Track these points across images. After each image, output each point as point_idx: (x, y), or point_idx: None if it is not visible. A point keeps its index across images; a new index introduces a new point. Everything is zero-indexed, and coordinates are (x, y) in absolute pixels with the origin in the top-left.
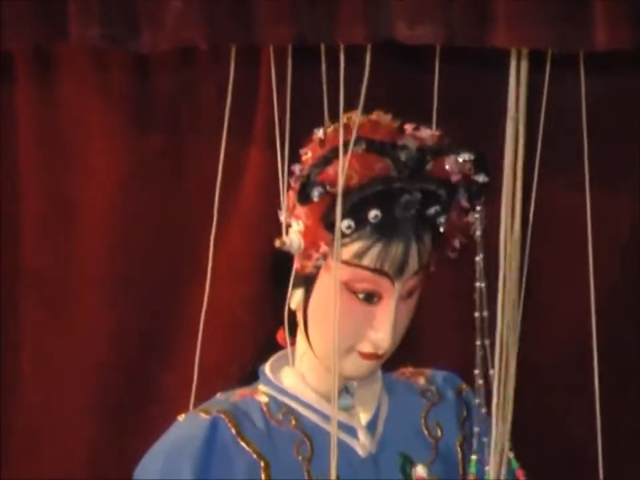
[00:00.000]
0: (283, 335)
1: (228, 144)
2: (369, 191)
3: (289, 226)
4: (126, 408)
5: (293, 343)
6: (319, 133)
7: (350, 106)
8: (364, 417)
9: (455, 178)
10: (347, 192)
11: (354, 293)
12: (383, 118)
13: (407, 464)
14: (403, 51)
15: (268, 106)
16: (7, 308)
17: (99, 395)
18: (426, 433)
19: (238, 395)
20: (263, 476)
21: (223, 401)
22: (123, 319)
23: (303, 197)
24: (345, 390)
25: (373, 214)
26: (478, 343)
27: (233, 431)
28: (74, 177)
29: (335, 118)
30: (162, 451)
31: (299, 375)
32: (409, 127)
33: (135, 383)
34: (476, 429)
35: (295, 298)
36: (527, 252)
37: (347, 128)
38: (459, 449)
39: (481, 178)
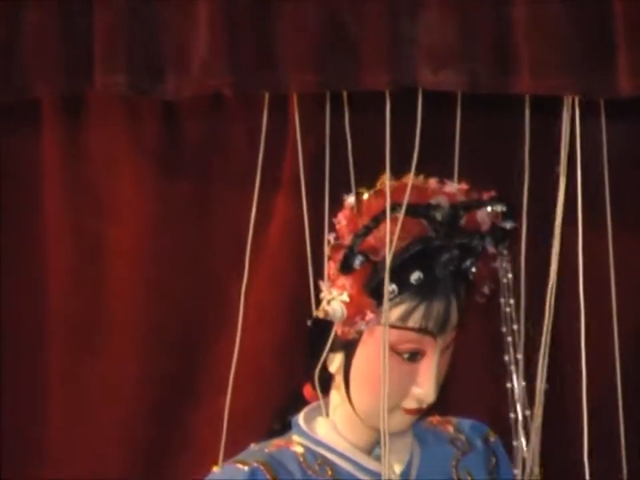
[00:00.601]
0: (309, 390)
1: (254, 187)
2: (409, 254)
3: (330, 297)
4: (155, 453)
5: (324, 397)
6: (350, 199)
7: (375, 154)
8: (397, 467)
9: (485, 227)
10: (381, 258)
11: (399, 353)
12: (415, 180)
13: None
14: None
15: (296, 152)
16: (35, 352)
17: (129, 440)
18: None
19: (273, 445)
20: None
21: (257, 451)
22: (151, 363)
23: (346, 267)
24: (377, 442)
25: (416, 276)
26: (509, 385)
27: None
28: (102, 222)
29: (364, 181)
30: None
31: (333, 426)
32: (433, 182)
33: (164, 428)
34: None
35: (335, 362)
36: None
37: (381, 194)
38: None
39: (509, 225)
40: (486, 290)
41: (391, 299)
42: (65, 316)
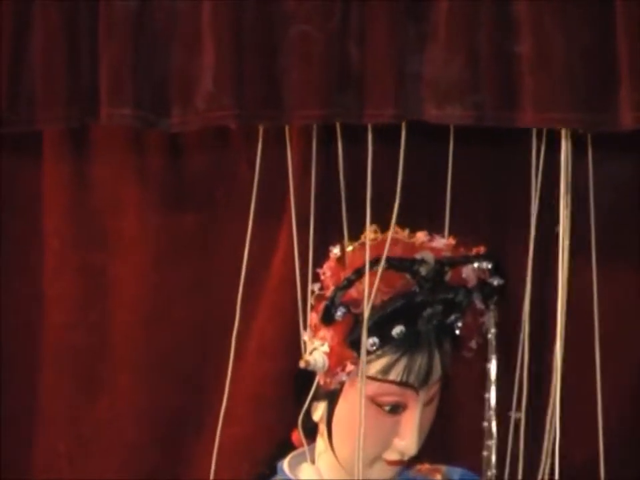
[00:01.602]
0: (297, 436)
1: (260, 223)
2: (392, 307)
3: (312, 347)
4: None
5: (309, 443)
6: (335, 250)
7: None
8: None
9: (471, 284)
10: (370, 310)
11: (380, 406)
12: (400, 234)
13: None
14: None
15: (298, 185)
16: (38, 385)
17: (132, 471)
18: None
19: None
20: None
21: None
22: (155, 395)
23: (327, 318)
24: None
25: (398, 330)
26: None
27: None
28: (105, 254)
29: (353, 236)
30: None
31: (317, 472)
32: (421, 236)
33: (168, 459)
34: None
35: (318, 411)
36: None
37: (365, 247)
38: None
39: (496, 281)
40: (473, 345)
41: (372, 352)
42: (67, 346)
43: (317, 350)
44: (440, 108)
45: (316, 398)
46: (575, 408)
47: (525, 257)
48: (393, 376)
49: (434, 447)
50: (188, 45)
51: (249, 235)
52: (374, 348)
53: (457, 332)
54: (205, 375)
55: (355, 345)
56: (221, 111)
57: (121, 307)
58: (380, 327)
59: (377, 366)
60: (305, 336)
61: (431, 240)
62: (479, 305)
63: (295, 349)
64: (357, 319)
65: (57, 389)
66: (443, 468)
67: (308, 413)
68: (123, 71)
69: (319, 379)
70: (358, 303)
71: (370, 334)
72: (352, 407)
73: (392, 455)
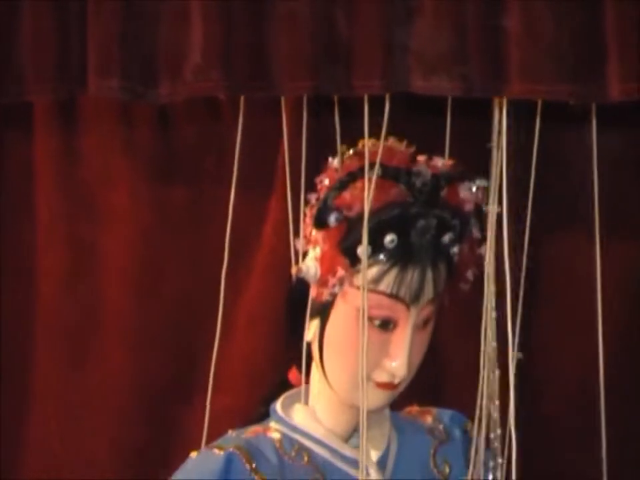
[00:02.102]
0: (295, 375)
1: (249, 193)
2: (385, 215)
3: (305, 254)
4: (150, 455)
5: (307, 382)
6: (334, 162)
7: None
8: (374, 455)
9: (468, 207)
10: (363, 217)
11: (370, 319)
12: (398, 145)
13: None
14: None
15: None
16: (28, 357)
17: (123, 442)
18: (435, 470)
19: (250, 431)
20: None
21: (235, 437)
22: (145, 366)
23: (320, 222)
24: (355, 430)
25: (389, 238)
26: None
27: (247, 466)
28: (95, 227)
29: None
30: None
31: (310, 412)
32: (422, 158)
33: (159, 430)
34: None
35: (311, 329)
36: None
37: (362, 155)
38: None
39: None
40: (469, 275)
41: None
42: (57, 320)
43: (309, 257)
44: (427, 79)
45: (310, 316)
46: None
47: None
48: (383, 287)
49: (424, 389)
50: (176, 17)
51: (231, 204)
52: (366, 256)
53: (454, 258)
54: (196, 346)
55: (348, 251)
56: (209, 82)
57: (111, 279)
58: (372, 235)
59: (367, 276)
60: (298, 244)
61: (429, 160)
62: (476, 233)
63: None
64: (350, 226)
65: (48, 362)
66: (434, 410)
67: (301, 339)
68: (111, 42)
69: (312, 293)
70: (351, 207)
71: (362, 241)
72: (343, 321)
73: (381, 377)
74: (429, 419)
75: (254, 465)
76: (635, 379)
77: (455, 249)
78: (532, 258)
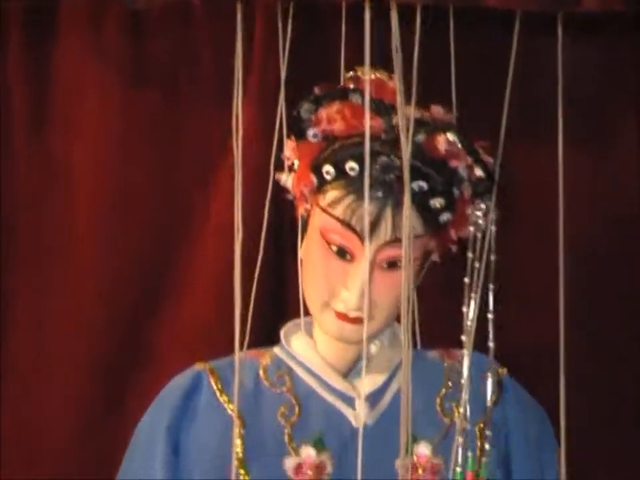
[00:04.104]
0: None
1: (222, 102)
2: (352, 142)
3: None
4: (117, 369)
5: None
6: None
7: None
8: (369, 387)
9: (453, 163)
10: (333, 138)
11: (328, 244)
12: (394, 80)
13: (410, 439)
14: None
15: (262, 64)
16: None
17: (90, 355)
18: (439, 411)
19: (246, 353)
20: (235, 434)
21: (225, 358)
22: (114, 277)
23: (297, 133)
24: (359, 358)
25: (350, 166)
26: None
27: (214, 386)
28: (66, 138)
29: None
30: (155, 398)
31: (309, 341)
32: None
33: (125, 343)
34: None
35: (302, 247)
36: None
37: (354, 80)
38: (477, 433)
39: (479, 172)
40: (453, 235)
41: (327, 181)
42: (25, 231)
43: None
44: None
45: (300, 231)
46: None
47: None
48: (338, 212)
49: None
50: None
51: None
52: (329, 177)
53: (440, 219)
54: (165, 258)
55: (316, 170)
56: None
57: (79, 190)
58: (338, 159)
59: (327, 198)
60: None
61: (428, 106)
62: (467, 196)
63: (255, 229)
64: (328, 149)
65: (11, 274)
66: (465, 352)
67: None
68: None
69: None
70: (330, 127)
71: (327, 162)
72: (309, 241)
73: (338, 306)
74: (450, 360)
75: (220, 386)
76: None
77: (445, 217)
78: None
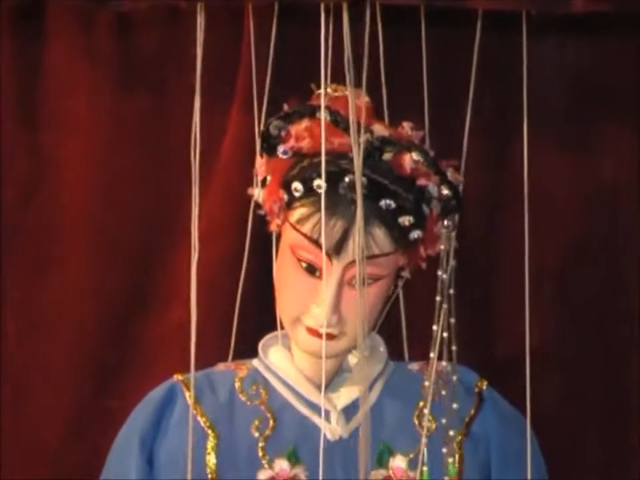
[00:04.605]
0: None
1: (210, 103)
2: (319, 160)
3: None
4: (108, 366)
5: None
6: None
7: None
8: (344, 400)
9: (421, 181)
10: (302, 156)
11: (298, 261)
12: (362, 98)
13: (385, 452)
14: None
15: (250, 65)
16: None
17: (80, 352)
18: (416, 424)
19: (224, 366)
20: (208, 447)
21: (203, 370)
22: (104, 275)
23: (268, 149)
24: (340, 371)
25: (317, 183)
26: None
27: (188, 399)
28: (55, 136)
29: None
30: (137, 405)
31: (287, 354)
32: (406, 124)
33: (117, 341)
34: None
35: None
36: None
37: (318, 98)
38: (455, 447)
39: (445, 191)
40: (422, 252)
41: (295, 198)
42: (17, 226)
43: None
44: None
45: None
46: None
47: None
48: (306, 229)
49: None
50: None
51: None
52: (297, 194)
53: (410, 237)
54: (154, 256)
55: (286, 186)
56: None
57: (69, 187)
58: (306, 176)
59: (296, 214)
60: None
61: (400, 127)
62: (435, 213)
63: (244, 231)
64: (295, 163)
65: (3, 267)
66: (448, 365)
67: None
68: None
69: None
70: (299, 144)
71: (296, 179)
72: (280, 257)
73: (309, 321)
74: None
75: (196, 399)
76: None
77: (415, 234)
78: None
